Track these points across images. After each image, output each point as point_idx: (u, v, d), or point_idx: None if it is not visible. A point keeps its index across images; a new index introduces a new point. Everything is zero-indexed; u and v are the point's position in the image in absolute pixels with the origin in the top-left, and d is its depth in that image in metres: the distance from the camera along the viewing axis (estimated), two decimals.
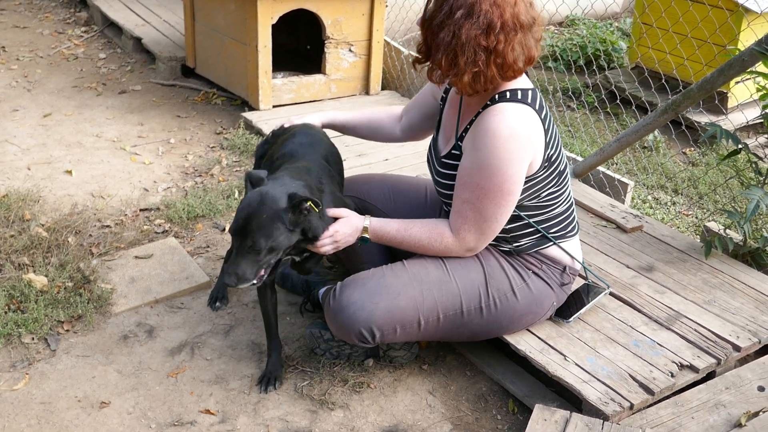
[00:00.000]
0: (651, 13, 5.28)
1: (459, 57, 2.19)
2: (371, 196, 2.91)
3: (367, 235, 2.48)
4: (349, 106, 4.97)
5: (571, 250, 2.58)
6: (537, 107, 2.31)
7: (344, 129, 2.97)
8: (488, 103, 2.32)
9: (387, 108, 2.99)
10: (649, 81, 5.02)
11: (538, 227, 2.48)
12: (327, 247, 2.43)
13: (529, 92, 2.33)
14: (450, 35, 2.19)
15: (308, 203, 2.27)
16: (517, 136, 2.25)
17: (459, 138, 2.43)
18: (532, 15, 2.23)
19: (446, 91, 2.61)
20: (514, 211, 2.42)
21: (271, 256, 2.31)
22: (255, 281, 2.32)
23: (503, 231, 2.48)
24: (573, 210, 2.59)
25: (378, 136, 2.97)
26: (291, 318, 3.00)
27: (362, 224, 2.48)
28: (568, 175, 2.52)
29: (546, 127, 2.33)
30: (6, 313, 2.88)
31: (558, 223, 2.51)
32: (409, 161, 4.16)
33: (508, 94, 2.31)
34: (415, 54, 2.59)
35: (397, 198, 2.91)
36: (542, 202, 2.44)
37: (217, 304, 3.03)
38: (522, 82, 2.35)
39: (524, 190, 2.37)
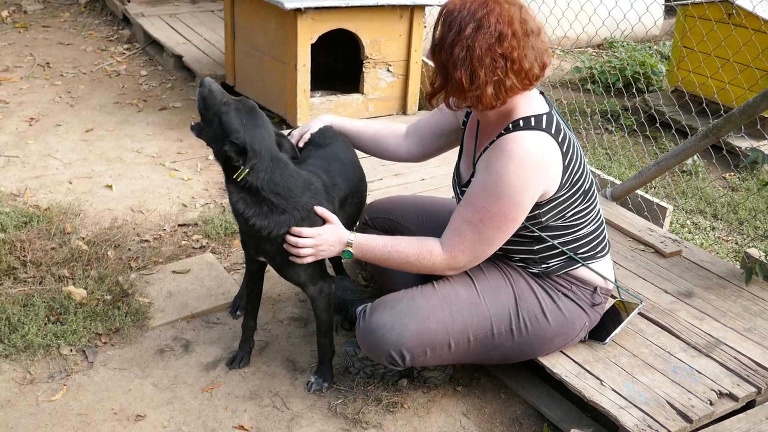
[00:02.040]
0: (692, 37, 5.24)
1: (478, 70, 2.18)
2: (402, 218, 2.91)
3: (350, 249, 2.47)
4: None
5: (601, 271, 2.56)
6: (553, 131, 2.29)
7: (350, 137, 2.91)
8: (503, 132, 2.31)
9: (393, 125, 2.94)
10: (689, 105, 4.97)
11: (565, 249, 2.46)
12: (307, 249, 2.43)
13: (544, 117, 2.31)
14: (464, 50, 2.18)
15: (240, 164, 2.34)
16: (529, 165, 2.24)
17: (474, 164, 2.42)
18: (537, 24, 2.25)
19: (467, 115, 2.60)
20: (540, 234, 2.41)
21: (207, 119, 2.43)
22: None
23: (531, 253, 2.46)
24: (603, 230, 2.56)
25: (381, 152, 2.92)
26: None
27: (347, 237, 2.47)
28: (596, 195, 2.49)
29: (564, 150, 2.31)
30: (46, 324, 2.92)
31: (586, 243, 2.49)
32: (445, 181, 4.16)
33: (521, 122, 2.29)
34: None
35: (429, 219, 2.90)
36: (568, 222, 2.42)
37: (237, 312, 3.07)
38: (537, 106, 2.33)
39: (547, 211, 2.36)
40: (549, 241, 2.43)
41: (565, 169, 2.31)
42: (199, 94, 2.43)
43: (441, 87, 2.30)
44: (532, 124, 2.28)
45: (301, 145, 2.79)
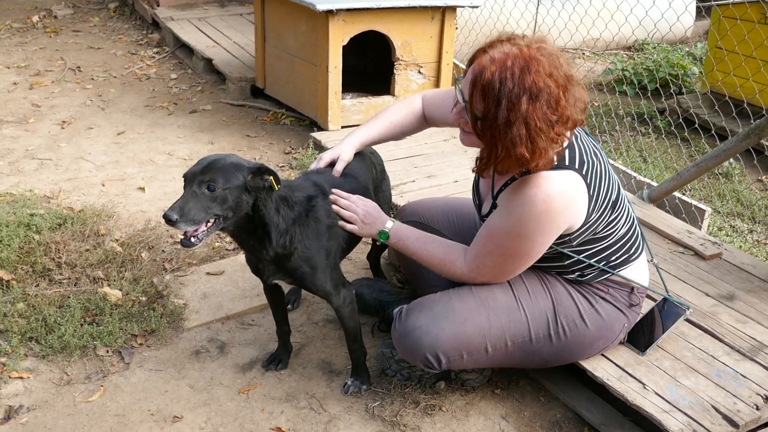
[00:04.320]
0: (733, 37, 5.15)
1: (537, 140, 2.10)
2: (434, 221, 2.88)
3: (387, 230, 2.50)
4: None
5: (638, 272, 2.50)
6: (577, 166, 2.22)
7: (377, 144, 2.89)
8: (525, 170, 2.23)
9: (409, 110, 2.82)
10: (727, 106, 4.89)
11: (598, 259, 2.40)
12: (358, 207, 2.48)
13: (567, 152, 2.23)
14: (524, 127, 2.08)
15: (269, 176, 2.30)
16: (552, 210, 2.19)
17: (495, 197, 2.38)
18: (571, 68, 2.17)
19: None
20: (571, 251, 2.37)
21: (218, 207, 2.22)
22: (194, 231, 2.20)
23: (563, 267, 2.43)
24: (635, 229, 2.50)
25: (407, 135, 2.90)
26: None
27: (387, 219, 2.52)
28: (623, 198, 2.42)
29: (589, 181, 2.24)
30: (81, 325, 2.92)
31: (619, 248, 2.43)
32: None
33: None
34: None
35: (461, 222, 2.87)
36: (599, 235, 2.36)
37: None
38: None
39: (578, 236, 2.31)
40: (579, 256, 2.39)
41: (591, 198, 2.26)
42: (183, 225, 2.17)
43: (495, 160, 2.18)
44: (555, 162, 2.21)
45: (337, 176, 2.70)
